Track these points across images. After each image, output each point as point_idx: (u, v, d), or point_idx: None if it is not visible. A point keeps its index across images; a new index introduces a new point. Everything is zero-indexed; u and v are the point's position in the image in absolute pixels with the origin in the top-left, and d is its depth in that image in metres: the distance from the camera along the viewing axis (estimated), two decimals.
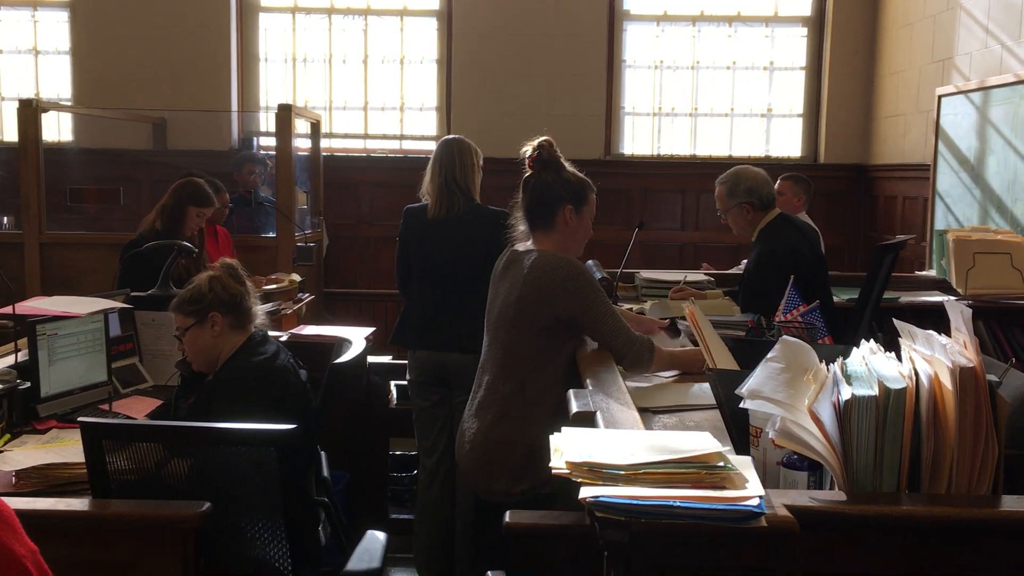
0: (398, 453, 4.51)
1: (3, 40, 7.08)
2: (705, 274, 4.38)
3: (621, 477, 1.40)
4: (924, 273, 5.02)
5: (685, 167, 6.97)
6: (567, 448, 1.49)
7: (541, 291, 2.66)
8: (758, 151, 7.13)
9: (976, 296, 4.14)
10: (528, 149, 2.83)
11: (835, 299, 4.04)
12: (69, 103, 6.93)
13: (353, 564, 2.46)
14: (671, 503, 1.32)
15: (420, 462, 3.86)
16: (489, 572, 2.13)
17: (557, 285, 2.65)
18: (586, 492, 1.35)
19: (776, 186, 5.42)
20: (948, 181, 5.58)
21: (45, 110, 5.62)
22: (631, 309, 3.49)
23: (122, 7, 6.75)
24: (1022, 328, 4.22)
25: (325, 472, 2.94)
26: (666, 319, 3.32)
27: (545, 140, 2.82)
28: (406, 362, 3.89)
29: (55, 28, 7.03)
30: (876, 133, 6.83)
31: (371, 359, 3.85)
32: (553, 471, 1.45)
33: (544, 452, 1.56)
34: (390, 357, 4.22)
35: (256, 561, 2.28)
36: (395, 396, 4.21)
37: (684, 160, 7.06)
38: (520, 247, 2.86)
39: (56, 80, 7.06)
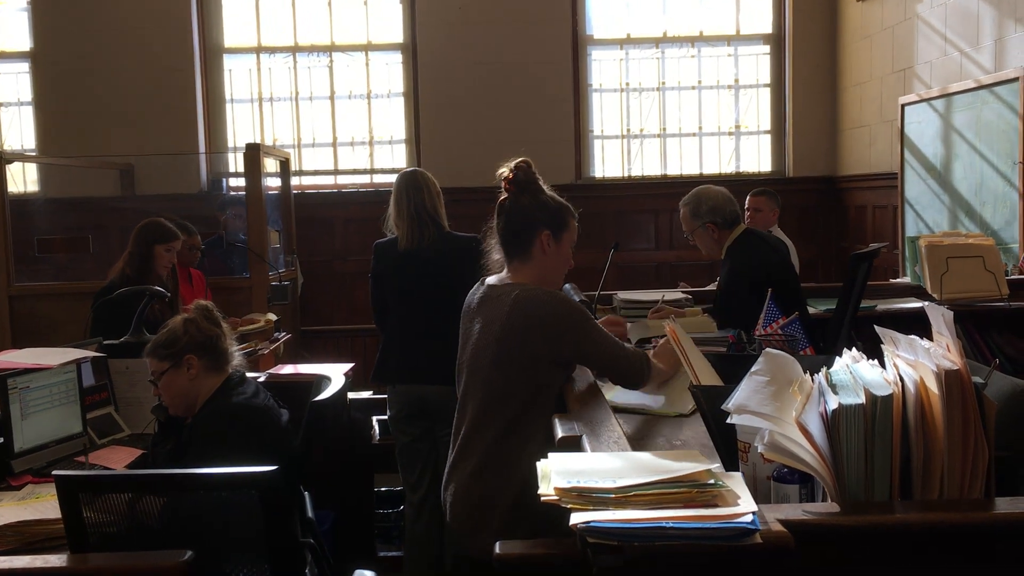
0: (383, 489, 4.45)
1: None
2: (683, 292, 4.38)
3: (611, 500, 1.38)
4: (899, 280, 5.04)
5: (657, 187, 7.01)
6: (555, 474, 1.46)
7: (527, 332, 2.46)
8: (728, 168, 7.18)
9: (952, 300, 4.16)
10: (504, 170, 2.65)
11: (812, 310, 4.05)
12: (34, 153, 6.87)
13: None
14: (664, 524, 1.29)
15: (406, 497, 3.81)
16: None
17: (545, 324, 2.46)
18: (576, 518, 1.32)
19: (751, 203, 5.47)
20: (916, 188, 5.64)
21: (10, 161, 5.56)
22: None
23: (83, 55, 6.71)
24: (999, 330, 4.25)
25: (310, 513, 2.88)
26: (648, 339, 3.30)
27: (523, 161, 2.64)
28: (386, 397, 3.85)
29: (16, 79, 6.98)
30: (843, 145, 6.91)
31: (351, 395, 3.80)
32: (542, 498, 1.42)
33: (533, 500, 1.48)
34: (370, 393, 4.17)
35: None
36: (377, 432, 4.16)
37: (655, 180, 7.10)
38: (493, 279, 2.67)
39: (20, 131, 7.01)
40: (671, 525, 1.29)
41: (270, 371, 3.79)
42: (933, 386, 1.46)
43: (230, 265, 5.77)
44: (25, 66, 6.92)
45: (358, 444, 3.99)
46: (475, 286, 2.74)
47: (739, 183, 6.31)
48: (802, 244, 6.05)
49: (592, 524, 1.30)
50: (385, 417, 3.91)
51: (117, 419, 3.37)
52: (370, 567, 2.77)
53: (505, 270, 2.67)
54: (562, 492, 1.40)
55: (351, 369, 3.60)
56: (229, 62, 7.05)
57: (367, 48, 7.06)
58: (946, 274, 4.23)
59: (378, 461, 4.08)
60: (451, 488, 2.57)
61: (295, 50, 7.06)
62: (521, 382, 2.49)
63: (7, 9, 6.95)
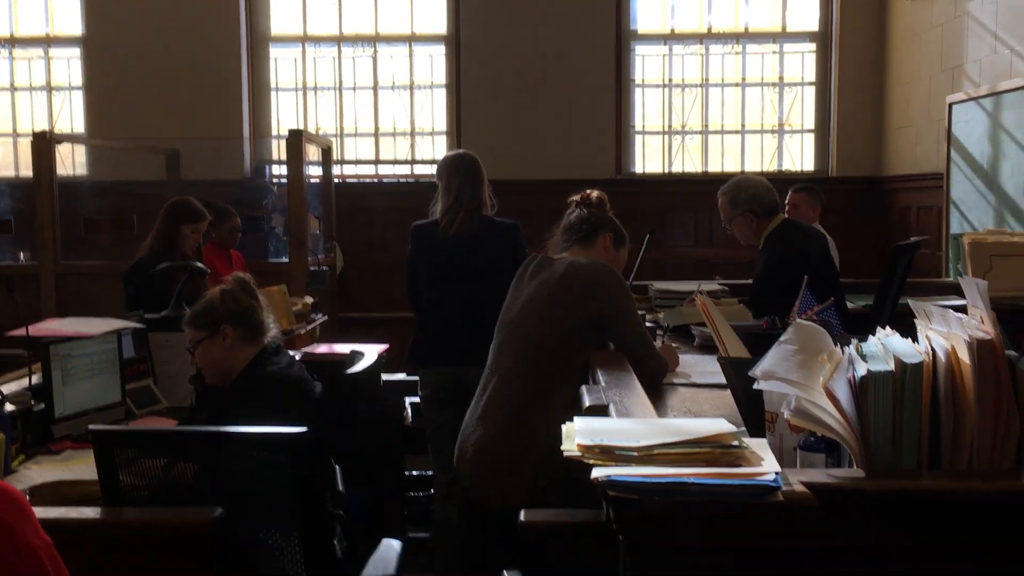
0: (415, 473, 4.48)
1: (19, 76, 7.18)
2: (719, 284, 4.35)
3: (634, 458, 1.38)
4: (941, 280, 4.97)
5: (697, 184, 6.96)
6: (579, 433, 1.47)
7: (578, 289, 2.70)
8: (770, 166, 7.12)
9: (994, 299, 4.06)
10: (577, 196, 3.04)
11: (850, 305, 4.00)
12: (83, 136, 7.01)
13: (368, 571, 2.43)
14: (686, 480, 1.29)
15: (436, 479, 3.83)
16: (505, 572, 2.10)
17: (595, 284, 2.70)
18: (598, 472, 1.32)
19: (790, 198, 5.42)
20: (962, 188, 5.55)
21: (59, 142, 5.69)
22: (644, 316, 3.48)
23: (134, 41, 6.83)
24: None
25: (340, 486, 2.91)
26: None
27: (600, 191, 3.04)
28: (418, 378, 3.87)
29: (68, 64, 7.12)
30: (888, 144, 6.81)
31: (385, 376, 3.83)
32: (564, 454, 1.42)
33: (558, 460, 1.52)
34: (403, 375, 4.19)
35: (271, 573, 2.25)
36: (410, 414, 4.19)
37: (696, 177, 7.06)
38: (553, 255, 2.92)
39: (71, 115, 7.15)
40: (693, 481, 1.29)
41: (305, 349, 3.84)
42: (965, 356, 1.44)
43: (268, 247, 5.84)
44: (77, 51, 7.06)
45: (390, 425, 4.02)
46: (529, 257, 2.95)
47: (781, 182, 6.22)
48: (844, 244, 5.97)
49: (613, 478, 1.30)
50: (418, 399, 3.93)
51: (156, 391, 3.42)
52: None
53: (565, 254, 2.90)
54: (585, 449, 1.40)
55: (386, 350, 3.62)
56: (275, 51, 7.13)
57: (411, 39, 7.10)
58: (989, 272, 4.15)
59: (410, 443, 4.11)
60: (473, 440, 2.67)
61: (340, 40, 7.12)
62: (562, 339, 2.69)
63: None
